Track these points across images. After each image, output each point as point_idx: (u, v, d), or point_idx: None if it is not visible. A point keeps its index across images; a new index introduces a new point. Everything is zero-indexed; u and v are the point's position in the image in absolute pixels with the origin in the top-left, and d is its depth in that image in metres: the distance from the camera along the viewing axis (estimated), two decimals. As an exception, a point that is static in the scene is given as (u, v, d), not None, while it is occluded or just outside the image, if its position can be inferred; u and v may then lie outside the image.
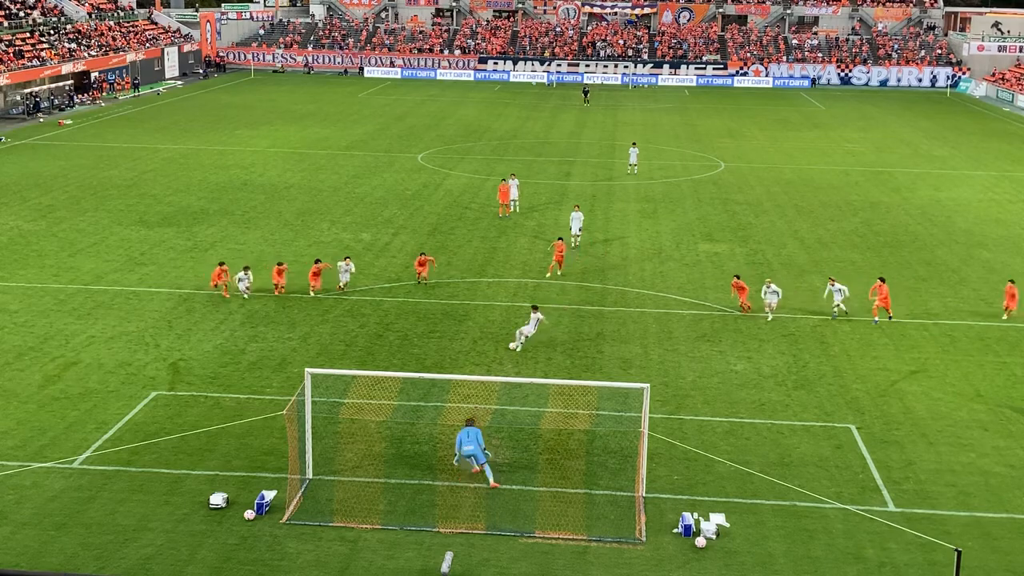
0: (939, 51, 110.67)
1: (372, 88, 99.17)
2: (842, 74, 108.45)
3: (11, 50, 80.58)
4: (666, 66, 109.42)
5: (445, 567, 19.61)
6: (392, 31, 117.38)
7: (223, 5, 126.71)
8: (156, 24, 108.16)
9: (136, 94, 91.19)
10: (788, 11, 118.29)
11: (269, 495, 21.96)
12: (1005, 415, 27.29)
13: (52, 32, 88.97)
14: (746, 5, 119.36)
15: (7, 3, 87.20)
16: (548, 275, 38.12)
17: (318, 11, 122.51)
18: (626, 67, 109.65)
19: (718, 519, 21.50)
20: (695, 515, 21.59)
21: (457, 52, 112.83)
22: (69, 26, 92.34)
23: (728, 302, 35.36)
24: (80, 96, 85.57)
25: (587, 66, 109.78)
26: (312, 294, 35.50)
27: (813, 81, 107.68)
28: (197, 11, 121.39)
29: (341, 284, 35.89)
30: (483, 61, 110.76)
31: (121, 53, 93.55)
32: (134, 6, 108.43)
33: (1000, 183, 57.92)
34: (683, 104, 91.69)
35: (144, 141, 66.67)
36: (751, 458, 24.46)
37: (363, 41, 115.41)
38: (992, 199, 53.70)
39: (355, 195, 51.89)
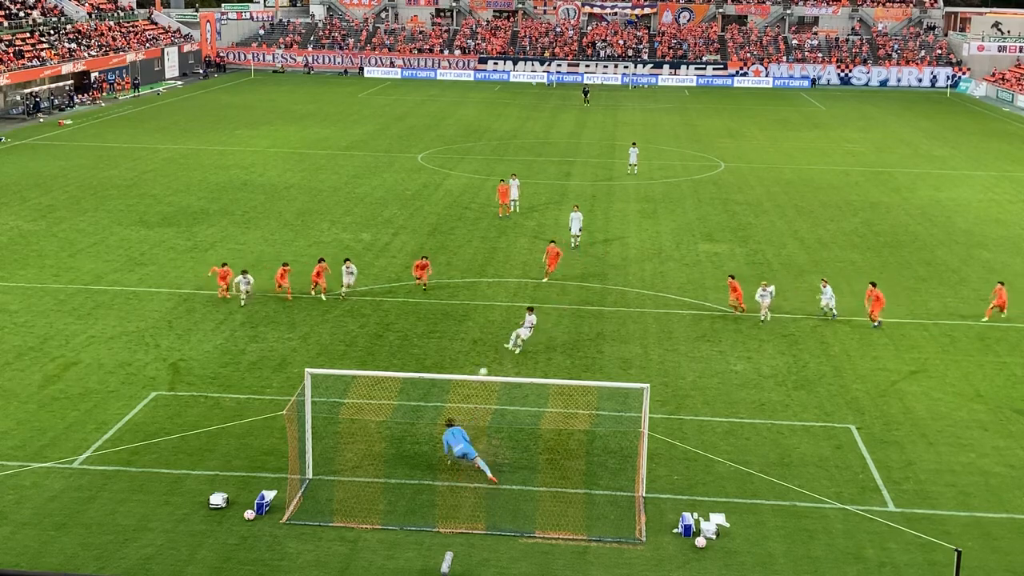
0: (939, 51, 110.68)
1: (372, 88, 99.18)
2: (842, 74, 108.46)
3: (11, 50, 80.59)
4: (666, 66, 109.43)
5: (445, 567, 19.61)
6: (392, 31, 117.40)
7: (223, 5, 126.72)
8: (156, 24, 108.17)
9: (136, 94, 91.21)
10: (788, 11, 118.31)
11: (269, 495, 21.96)
12: (1005, 415, 27.29)
13: (52, 32, 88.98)
14: (746, 5, 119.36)
15: (7, 3, 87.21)
16: (544, 279, 37.84)
17: (318, 11, 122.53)
18: (626, 67, 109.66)
19: (718, 519, 21.51)
20: (695, 515, 21.60)
21: (457, 52, 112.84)
22: (69, 26, 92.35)
23: (728, 302, 35.35)
24: (80, 96, 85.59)
25: (587, 66, 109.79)
26: (312, 294, 35.40)
27: (813, 81, 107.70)
28: (197, 11, 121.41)
29: (344, 288, 35.51)
30: (483, 61, 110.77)
31: (121, 53, 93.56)
32: (134, 6, 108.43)
33: (1000, 183, 57.93)
34: (683, 104, 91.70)
35: (144, 141, 66.68)
36: (751, 458, 24.46)
37: (363, 41, 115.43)
38: (992, 199, 53.71)
39: (355, 195, 51.90)
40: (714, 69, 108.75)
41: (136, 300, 35.10)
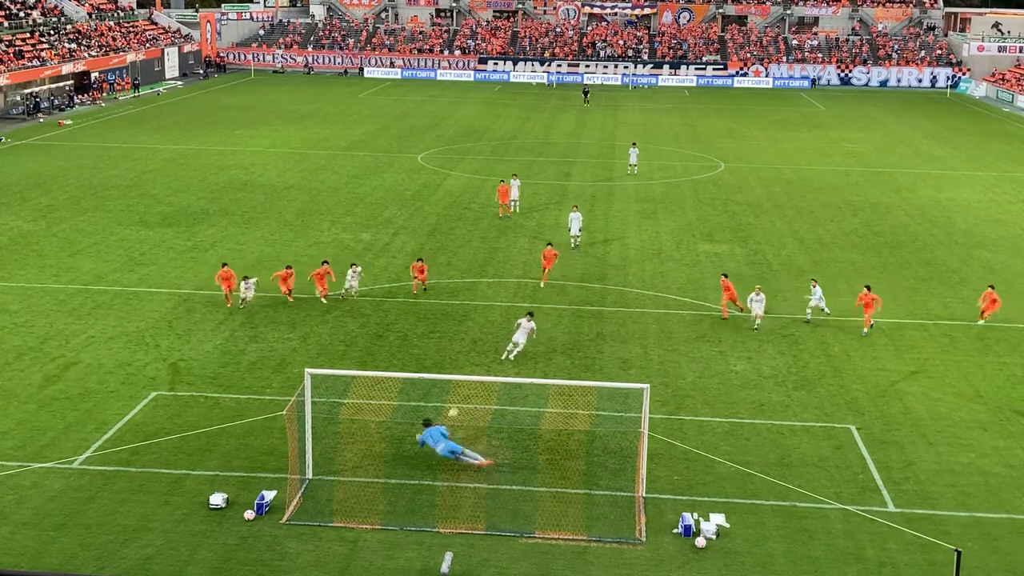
0: (939, 51, 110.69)
1: (372, 88, 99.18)
2: (842, 74, 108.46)
3: (11, 50, 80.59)
4: (666, 66, 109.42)
5: (445, 567, 19.61)
6: (392, 31, 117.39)
7: (223, 5, 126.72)
8: (156, 24, 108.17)
9: (136, 94, 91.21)
10: (788, 11, 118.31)
11: (269, 495, 21.97)
12: (1005, 415, 27.29)
13: (52, 32, 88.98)
14: (746, 5, 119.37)
15: (7, 3, 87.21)
16: (542, 284, 37.60)
17: (318, 11, 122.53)
18: (626, 67, 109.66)
19: (718, 519, 21.51)
20: (695, 515, 21.60)
21: (457, 52, 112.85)
22: (69, 26, 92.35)
23: (721, 303, 35.26)
24: (80, 96, 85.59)
25: (587, 66, 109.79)
26: (317, 294, 35.26)
27: (813, 81, 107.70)
28: (197, 11, 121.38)
29: (348, 291, 35.20)
30: (483, 61, 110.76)
31: (121, 53, 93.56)
32: (134, 6, 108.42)
33: (1000, 183, 57.94)
34: (683, 104, 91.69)
35: (144, 141, 66.68)
36: (751, 458, 24.46)
37: (363, 41, 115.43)
38: (992, 199, 53.71)
39: (355, 195, 51.90)
40: (714, 69, 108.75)
41: (136, 300, 35.10)
